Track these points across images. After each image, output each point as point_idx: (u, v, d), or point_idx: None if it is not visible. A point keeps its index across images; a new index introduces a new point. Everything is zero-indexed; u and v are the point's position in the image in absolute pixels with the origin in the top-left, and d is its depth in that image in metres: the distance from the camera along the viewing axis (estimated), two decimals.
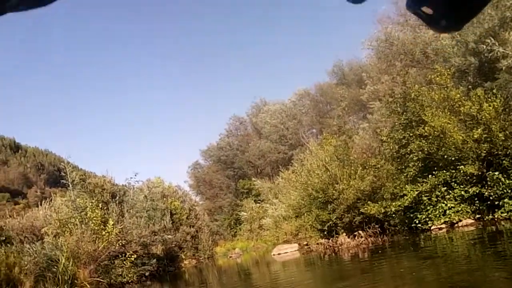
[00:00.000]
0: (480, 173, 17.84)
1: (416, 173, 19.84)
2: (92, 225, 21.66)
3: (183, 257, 35.61)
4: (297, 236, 27.16)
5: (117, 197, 27.21)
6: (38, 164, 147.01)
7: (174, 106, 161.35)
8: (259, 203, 43.98)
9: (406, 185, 19.85)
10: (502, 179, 16.96)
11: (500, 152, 17.44)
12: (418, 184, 19.39)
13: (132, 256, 22.11)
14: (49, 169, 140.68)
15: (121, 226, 23.42)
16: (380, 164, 22.43)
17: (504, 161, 17.30)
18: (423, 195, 19.32)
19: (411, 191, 19.41)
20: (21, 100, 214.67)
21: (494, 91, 18.37)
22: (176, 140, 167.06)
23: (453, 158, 18.46)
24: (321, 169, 24.92)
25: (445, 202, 18.95)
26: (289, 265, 19.92)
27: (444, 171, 18.81)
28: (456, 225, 18.55)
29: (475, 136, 17.61)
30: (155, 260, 25.79)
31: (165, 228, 33.57)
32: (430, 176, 19.07)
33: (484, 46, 19.21)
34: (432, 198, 19.23)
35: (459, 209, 18.73)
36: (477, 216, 18.38)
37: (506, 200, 17.08)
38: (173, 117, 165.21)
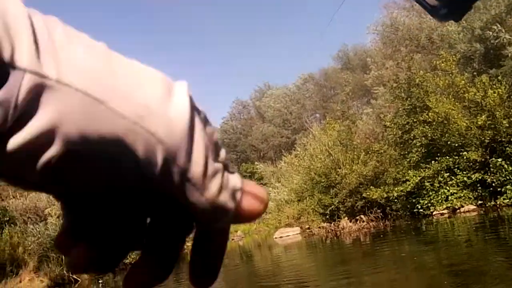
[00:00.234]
0: (483, 159, 17.84)
1: (419, 158, 19.84)
2: None
3: (186, 239, 35.74)
4: (299, 220, 27.20)
5: None
6: None
7: None
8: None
9: (409, 171, 19.87)
10: (505, 165, 16.97)
11: (503, 139, 17.42)
12: (421, 169, 19.40)
13: None
14: None
15: None
16: (383, 149, 22.41)
17: (507, 148, 17.29)
18: (425, 181, 19.34)
19: (414, 177, 19.43)
20: None
21: (499, 78, 18.31)
22: None
23: (456, 144, 18.45)
24: (324, 153, 24.91)
25: (448, 188, 18.98)
26: (291, 248, 20.02)
27: (447, 157, 18.81)
28: (458, 210, 18.58)
29: (479, 123, 17.58)
30: None
31: None
32: (433, 162, 19.08)
33: (490, 33, 19.13)
34: (435, 184, 19.25)
35: (462, 195, 18.76)
36: (479, 202, 18.41)
37: (508, 186, 17.11)
38: None
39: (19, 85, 0.25)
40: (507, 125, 17.16)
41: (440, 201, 19.17)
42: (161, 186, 0.31)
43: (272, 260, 16.59)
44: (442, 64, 19.83)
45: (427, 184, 19.34)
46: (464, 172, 18.52)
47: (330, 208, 23.44)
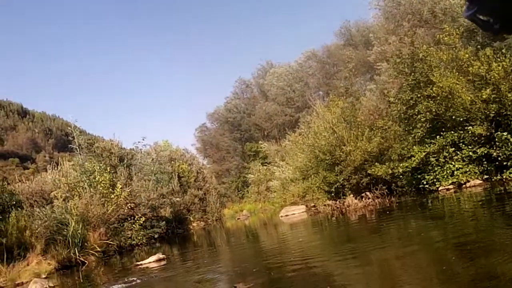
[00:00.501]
0: (488, 133, 17.77)
1: (424, 134, 19.77)
2: (101, 188, 21.82)
3: (192, 219, 35.96)
4: (304, 198, 27.27)
5: (125, 161, 27.35)
6: (46, 129, 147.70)
7: (181, 70, 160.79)
8: (266, 165, 44.08)
9: (414, 146, 19.82)
10: (511, 139, 16.88)
11: (509, 113, 17.32)
12: (426, 145, 19.35)
13: (141, 219, 22.35)
14: (57, 133, 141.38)
15: (130, 189, 23.60)
16: (387, 126, 22.36)
17: None
18: (430, 156, 19.30)
19: (419, 152, 19.39)
20: (28, 65, 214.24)
21: (503, 50, 18.15)
22: (183, 105, 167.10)
23: (461, 119, 18.37)
24: (328, 131, 24.87)
25: (453, 163, 18.94)
26: (296, 226, 20.06)
27: (452, 132, 18.74)
28: (464, 185, 18.56)
29: (484, 97, 17.47)
30: (164, 222, 26.05)
31: (173, 191, 33.82)
32: (438, 137, 19.02)
33: None
34: (440, 159, 19.21)
35: (467, 169, 18.72)
36: (485, 176, 18.37)
37: None
38: (180, 82, 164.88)
39: None
40: None
41: (445, 176, 19.14)
42: None
43: (278, 239, 16.63)
44: (445, 38, 19.68)
45: (432, 159, 19.30)
46: (470, 147, 18.46)
47: (335, 185, 23.48)
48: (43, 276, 14.29)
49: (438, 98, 18.90)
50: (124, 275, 12.08)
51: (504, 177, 17.22)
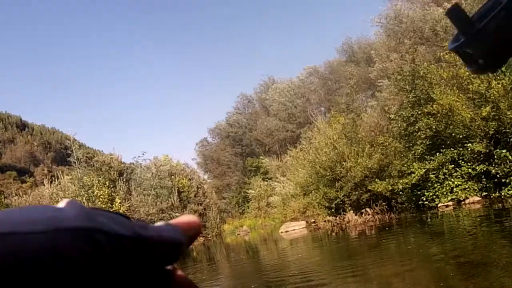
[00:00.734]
0: (487, 151, 17.83)
1: (424, 151, 19.84)
2: (99, 203, 21.81)
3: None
4: (305, 214, 27.26)
5: (125, 175, 27.37)
6: (45, 142, 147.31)
7: (182, 84, 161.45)
8: (267, 181, 44.04)
9: (414, 163, 19.87)
10: (510, 157, 16.95)
11: (508, 130, 17.40)
12: (426, 161, 19.41)
13: None
14: (56, 147, 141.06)
15: (129, 204, 23.60)
16: (388, 142, 22.41)
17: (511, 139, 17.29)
18: (430, 173, 19.35)
19: (419, 169, 19.44)
20: (27, 77, 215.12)
21: (503, 69, 18.25)
22: (184, 119, 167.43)
23: (461, 136, 18.44)
24: (329, 147, 24.93)
25: (452, 179, 18.99)
26: (297, 242, 20.06)
27: (452, 149, 18.81)
28: (463, 202, 18.59)
29: (483, 114, 17.56)
30: None
31: (172, 206, 33.75)
32: (437, 154, 19.09)
33: None
34: (440, 176, 19.26)
35: (466, 186, 18.77)
36: (484, 193, 18.41)
37: None
38: (181, 96, 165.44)
39: None
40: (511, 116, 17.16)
41: (445, 193, 19.19)
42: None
43: (278, 255, 16.63)
44: (446, 56, 19.79)
45: (432, 176, 19.35)
46: (469, 164, 18.52)
47: (336, 201, 23.49)
48: None
49: (438, 115, 18.99)
50: None
51: (503, 194, 17.27)
